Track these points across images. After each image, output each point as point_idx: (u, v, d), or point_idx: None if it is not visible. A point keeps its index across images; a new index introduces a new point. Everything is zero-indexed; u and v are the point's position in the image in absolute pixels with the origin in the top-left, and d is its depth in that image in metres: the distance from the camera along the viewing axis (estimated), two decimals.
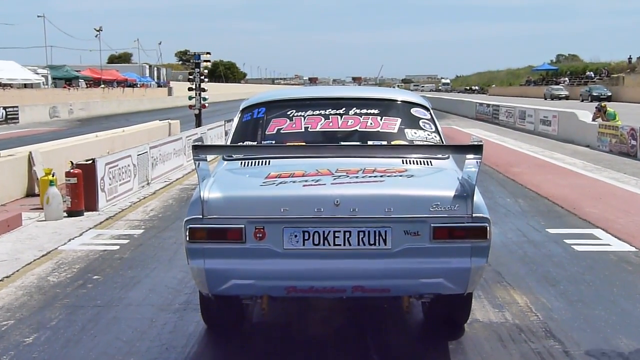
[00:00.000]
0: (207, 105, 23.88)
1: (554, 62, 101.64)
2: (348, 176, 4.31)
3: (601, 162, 16.12)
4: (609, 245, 8.07)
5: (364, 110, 5.12)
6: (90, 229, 9.23)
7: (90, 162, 10.39)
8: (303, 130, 5.02)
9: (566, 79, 78.44)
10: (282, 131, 5.03)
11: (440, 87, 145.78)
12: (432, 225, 4.07)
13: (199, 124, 22.76)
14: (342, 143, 4.90)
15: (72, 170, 10.05)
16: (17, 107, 38.43)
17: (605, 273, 6.93)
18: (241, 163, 4.76)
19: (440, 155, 4.83)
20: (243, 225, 4.04)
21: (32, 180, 11.85)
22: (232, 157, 4.87)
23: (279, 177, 4.30)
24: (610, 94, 54.31)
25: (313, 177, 4.29)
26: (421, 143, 5.00)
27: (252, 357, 4.82)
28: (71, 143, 14.73)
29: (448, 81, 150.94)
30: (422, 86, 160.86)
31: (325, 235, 4.04)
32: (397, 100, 5.44)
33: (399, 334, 5.18)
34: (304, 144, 4.87)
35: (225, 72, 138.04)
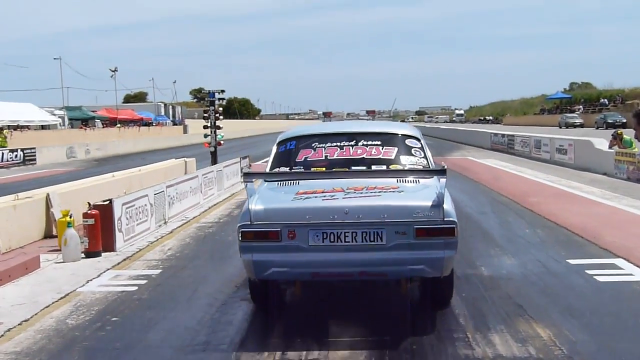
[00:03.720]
0: (222, 142, 23.99)
1: (568, 90, 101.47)
2: (355, 192, 5.98)
3: (619, 190, 15.98)
4: (631, 275, 7.94)
5: (370, 142, 6.96)
6: (108, 269, 9.23)
7: (107, 202, 10.43)
8: (324, 158, 6.86)
9: (580, 106, 78.27)
10: (308, 159, 6.89)
11: (454, 118, 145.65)
12: (415, 227, 5.67)
13: (214, 161, 22.82)
14: (353, 168, 6.65)
15: (89, 212, 10.08)
16: (34, 148, 38.83)
17: (629, 304, 6.82)
18: (278, 183, 6.51)
19: (427, 176, 6.41)
20: (279, 229, 5.72)
21: (50, 221, 11.90)
22: (270, 181, 6.59)
23: (305, 194, 6.00)
24: (625, 120, 53.98)
25: (329, 194, 5.97)
26: (409, 167, 6.71)
27: (289, 325, 6.55)
28: (88, 184, 14.81)
29: (462, 112, 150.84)
30: (436, 118, 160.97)
31: (338, 235, 5.69)
32: (395, 133, 7.23)
33: (398, 308, 6.89)
34: (323, 169, 6.65)
35: (239, 109, 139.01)
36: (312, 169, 6.72)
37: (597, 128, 54.91)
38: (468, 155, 32.24)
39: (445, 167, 6.24)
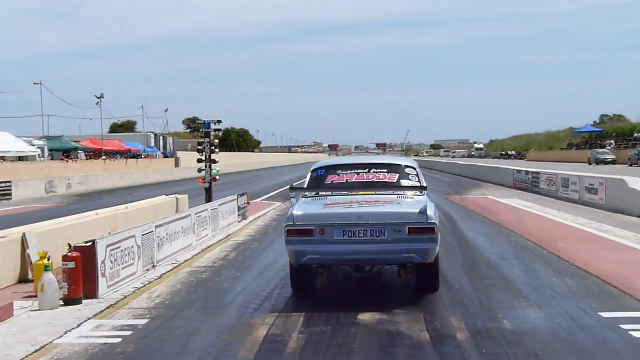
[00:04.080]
0: (218, 178, 24.05)
1: (598, 123, 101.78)
2: (366, 203, 9.61)
3: None
4: None
5: (378, 170, 10.81)
6: (90, 319, 9.18)
7: (89, 244, 10.41)
8: (345, 181, 10.67)
9: (612, 141, 78.34)
10: (333, 182, 10.70)
11: (473, 153, 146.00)
12: (407, 226, 9.09)
13: (209, 198, 22.86)
14: (365, 188, 10.42)
15: (69, 254, 10.05)
16: (10, 182, 38.86)
17: None
18: (312, 197, 10.35)
19: (418, 193, 10.28)
20: (313, 227, 9.20)
21: (25, 264, 11.86)
22: (307, 194, 10.51)
23: (331, 204, 9.68)
24: None
25: (348, 204, 9.57)
26: (405, 185, 10.59)
27: (318, 301, 10.26)
28: (69, 222, 14.80)
29: (481, 146, 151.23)
30: (453, 152, 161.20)
31: (354, 232, 9.14)
32: (398, 164, 11.19)
33: (398, 289, 10.65)
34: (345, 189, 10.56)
35: (237, 141, 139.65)
36: (336, 189, 10.69)
37: (631, 165, 54.91)
38: (488, 194, 32.23)
39: (426, 185, 10.47)
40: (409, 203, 9.89)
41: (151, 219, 16.02)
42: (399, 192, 10.34)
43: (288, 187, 11.28)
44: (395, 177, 10.78)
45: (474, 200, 27.92)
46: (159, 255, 13.25)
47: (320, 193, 10.56)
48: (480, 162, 65.93)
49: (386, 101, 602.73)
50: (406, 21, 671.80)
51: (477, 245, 15.32)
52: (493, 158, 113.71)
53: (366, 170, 10.89)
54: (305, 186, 10.96)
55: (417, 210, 9.32)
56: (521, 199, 27.84)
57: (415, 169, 11.04)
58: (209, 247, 16.00)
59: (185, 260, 14.04)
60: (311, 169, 11.27)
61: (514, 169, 39.32)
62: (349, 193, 10.29)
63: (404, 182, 10.69)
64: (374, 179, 10.73)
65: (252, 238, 17.66)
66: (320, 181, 10.88)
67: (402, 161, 11.62)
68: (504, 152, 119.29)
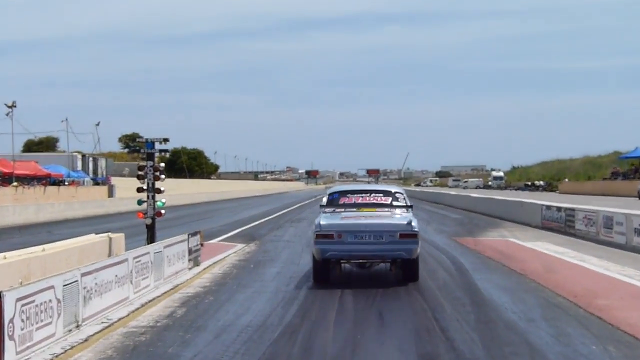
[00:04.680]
0: (163, 212, 23.95)
1: None
2: (370, 217, 18.47)
3: None
4: None
5: (377, 194, 19.92)
6: None
7: None
8: (353, 202, 19.50)
9: None
10: (345, 202, 19.56)
11: (490, 183, 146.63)
12: (398, 233, 17.57)
13: (152, 238, 22.74)
14: (368, 207, 19.36)
15: None
16: None
17: None
18: (330, 213, 19.08)
19: (405, 210, 19.05)
20: (333, 233, 17.67)
21: None
22: (326, 210, 19.25)
23: (345, 217, 18.59)
24: None
25: (357, 217, 18.53)
26: (396, 204, 19.36)
27: (332, 286, 18.05)
28: None
29: (501, 174, 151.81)
30: (465, 181, 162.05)
31: (362, 236, 17.57)
32: (390, 190, 20.52)
33: (388, 280, 18.68)
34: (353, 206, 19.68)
35: (189, 165, 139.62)
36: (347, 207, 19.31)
37: None
38: (509, 235, 32.33)
39: (412, 204, 19.33)
40: (399, 217, 18.52)
41: (76, 264, 15.90)
42: (392, 210, 19.05)
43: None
44: (389, 200, 19.53)
45: (491, 244, 28.00)
46: (85, 312, 13.16)
47: (336, 210, 19.19)
48: (499, 195, 66.13)
49: (379, 116, 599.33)
50: (407, 14, 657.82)
51: (494, 302, 15.39)
52: (516, 190, 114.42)
53: (368, 194, 19.85)
54: (324, 204, 19.63)
55: (405, 222, 17.91)
56: (551, 243, 27.95)
57: (402, 194, 20.17)
58: (150, 301, 15.98)
59: (120, 319, 13.98)
60: (327, 193, 20.69)
61: (543, 204, 39.50)
62: (357, 210, 19.06)
63: (395, 203, 19.39)
64: (374, 201, 19.45)
65: (206, 290, 17.70)
66: (335, 201, 19.70)
67: (393, 189, 21.07)
68: (529, 183, 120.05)
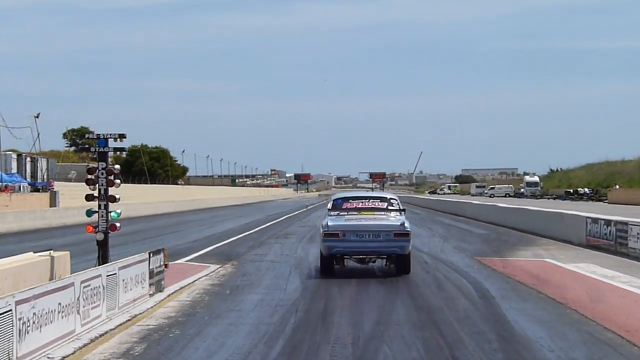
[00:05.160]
0: (119, 225, 23.83)
1: None
2: (369, 219, 27.56)
3: None
4: None
5: (374, 200, 29.46)
6: None
7: None
8: (354, 206, 28.76)
9: None
10: (348, 207, 28.78)
11: (522, 190, 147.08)
12: (393, 232, 26.35)
13: (104, 257, 22.66)
14: (368, 211, 28.72)
15: None
16: None
17: None
18: (335, 215, 28.05)
19: (399, 214, 28.05)
20: (339, 232, 26.50)
21: None
22: (332, 213, 28.04)
23: (349, 219, 27.46)
24: None
25: (359, 219, 27.46)
26: (391, 208, 28.58)
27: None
28: None
29: (536, 179, 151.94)
30: (491, 188, 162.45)
31: (363, 235, 26.42)
32: (386, 197, 30.63)
33: (384, 274, 27.29)
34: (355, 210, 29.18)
35: (151, 167, 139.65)
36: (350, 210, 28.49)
37: None
38: (546, 255, 32.30)
39: (404, 208, 28.35)
40: (394, 219, 26.21)
41: (9, 290, 15.82)
42: (387, 213, 26.94)
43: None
44: (385, 205, 27.60)
45: (524, 266, 28.02)
46: (21, 349, 13.07)
47: (340, 213, 26.74)
48: (533, 205, 66.16)
49: (385, 108, 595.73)
50: None
51: (527, 337, 15.35)
52: (554, 199, 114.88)
53: (367, 200, 28.05)
54: (330, 208, 27.19)
55: (399, 223, 25.55)
56: (598, 265, 27.92)
57: (396, 199, 28.42)
58: (102, 335, 15.92)
59: (64, 357, 13.96)
60: (332, 199, 28.68)
61: (588, 217, 39.46)
62: (358, 213, 26.69)
63: (390, 207, 27.32)
64: (372, 206, 27.46)
65: (171, 322, 17.66)
66: (339, 206, 27.38)
67: (388, 195, 29.70)
68: (571, 190, 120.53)
